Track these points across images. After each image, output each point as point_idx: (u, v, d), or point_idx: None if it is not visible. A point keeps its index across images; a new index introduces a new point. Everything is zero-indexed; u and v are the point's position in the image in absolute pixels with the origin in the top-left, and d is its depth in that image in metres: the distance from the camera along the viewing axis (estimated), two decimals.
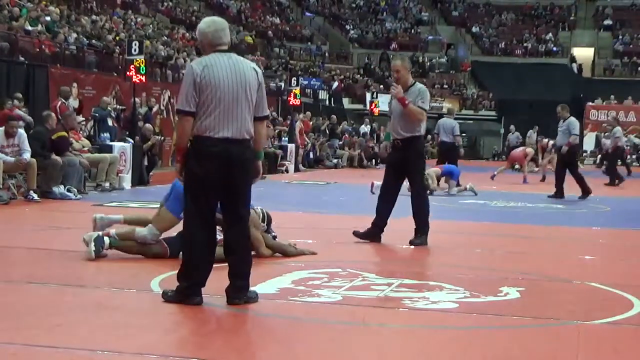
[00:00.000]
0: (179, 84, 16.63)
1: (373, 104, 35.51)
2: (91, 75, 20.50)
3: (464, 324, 5.15)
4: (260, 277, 6.15)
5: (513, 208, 13.80)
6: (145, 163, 16.26)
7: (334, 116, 31.85)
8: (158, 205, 7.33)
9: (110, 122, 17.34)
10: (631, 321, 5.31)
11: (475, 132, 44.95)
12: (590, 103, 39.18)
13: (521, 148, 23.38)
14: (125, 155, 15.22)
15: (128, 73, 18.46)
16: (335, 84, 40.07)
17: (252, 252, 7.11)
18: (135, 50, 17.96)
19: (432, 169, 16.06)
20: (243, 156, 5.28)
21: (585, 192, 15.56)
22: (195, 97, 5.18)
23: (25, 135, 12.26)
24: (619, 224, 11.92)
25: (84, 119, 17.32)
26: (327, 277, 6.44)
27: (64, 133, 13.37)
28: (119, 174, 14.88)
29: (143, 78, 18.45)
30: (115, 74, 21.95)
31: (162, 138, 19.16)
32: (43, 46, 19.76)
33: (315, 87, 38.61)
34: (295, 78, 27.53)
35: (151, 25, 31.49)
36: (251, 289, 5.45)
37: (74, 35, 22.13)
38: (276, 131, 24.65)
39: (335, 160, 27.55)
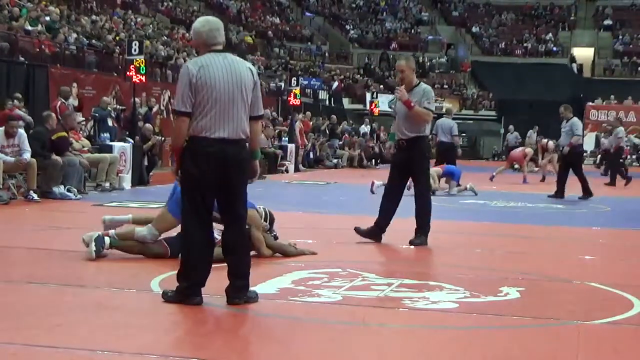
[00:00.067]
0: None
1: (373, 104, 35.52)
2: (91, 75, 20.50)
3: (464, 324, 5.15)
4: (260, 277, 6.15)
5: (513, 208, 13.80)
6: (145, 163, 16.26)
7: (334, 116, 31.84)
8: (162, 206, 7.34)
9: (110, 122, 17.34)
10: (631, 321, 5.31)
11: (475, 132, 44.96)
12: (590, 103, 39.18)
13: (520, 148, 23.37)
14: (125, 155, 15.21)
15: (128, 73, 18.47)
16: (335, 84, 40.07)
17: (253, 252, 7.17)
18: (135, 50, 17.98)
19: (434, 169, 16.05)
20: (239, 156, 5.29)
21: (587, 193, 15.56)
22: (191, 98, 5.18)
23: (25, 135, 12.26)
24: (619, 224, 11.92)
25: (83, 119, 17.32)
26: (327, 277, 6.44)
27: (64, 133, 13.37)
28: (119, 174, 14.88)
29: (143, 78, 18.47)
30: (115, 74, 21.95)
31: (162, 138, 19.15)
32: (43, 46, 19.77)
33: (315, 87, 38.62)
34: (295, 78, 27.54)
35: (151, 25, 31.49)
36: (251, 289, 5.46)
37: (74, 35, 22.13)
38: (276, 131, 24.64)
39: (335, 160, 27.55)
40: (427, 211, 8.56)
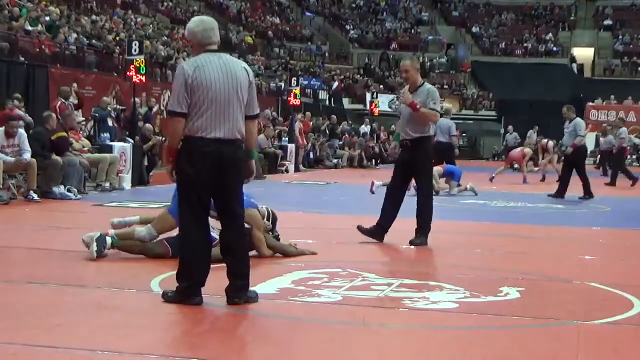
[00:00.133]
0: None
1: (373, 104, 35.53)
2: (91, 75, 20.52)
3: (464, 324, 5.15)
4: (260, 277, 6.15)
5: (513, 208, 13.80)
6: (145, 163, 16.26)
7: (334, 116, 31.85)
8: (163, 205, 7.35)
9: (110, 122, 17.35)
10: (631, 321, 5.31)
11: (475, 132, 44.97)
12: (590, 103, 39.18)
13: (519, 148, 23.34)
14: (125, 155, 15.21)
15: (128, 73, 18.48)
16: (335, 84, 40.07)
17: (253, 252, 7.17)
18: (135, 50, 17.99)
19: (434, 169, 16.05)
20: (235, 156, 5.30)
21: (588, 194, 15.59)
22: (186, 98, 5.19)
23: (25, 135, 12.26)
24: (619, 224, 11.92)
25: (83, 119, 17.32)
26: (327, 277, 6.44)
27: (64, 133, 13.37)
28: (119, 174, 14.88)
29: (143, 78, 18.48)
30: (115, 74, 21.97)
31: (162, 138, 19.14)
32: (43, 46, 19.78)
33: (315, 87, 38.62)
34: (295, 78, 27.55)
35: (151, 25, 31.51)
36: (251, 288, 5.46)
37: (74, 35, 22.14)
38: (276, 131, 24.64)
39: (335, 160, 27.55)
40: (428, 211, 8.56)
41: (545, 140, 23.79)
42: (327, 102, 38.51)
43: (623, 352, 4.62)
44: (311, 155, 26.71)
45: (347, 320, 5.16)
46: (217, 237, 5.67)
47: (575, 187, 15.74)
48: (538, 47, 49.16)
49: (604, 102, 39.66)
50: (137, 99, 19.43)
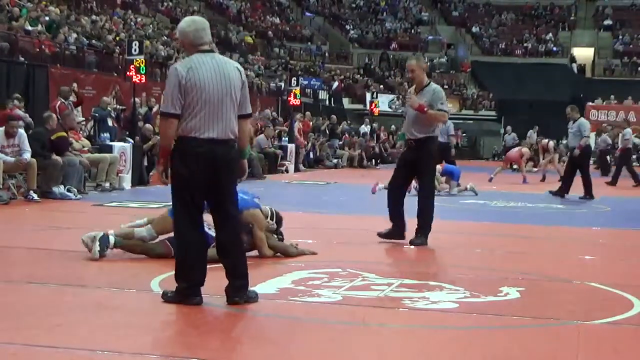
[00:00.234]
0: None
1: (373, 104, 35.51)
2: (91, 75, 20.51)
3: (464, 324, 5.16)
4: (260, 277, 6.15)
5: (513, 208, 13.80)
6: (145, 163, 16.25)
7: (334, 116, 31.83)
8: (163, 206, 7.35)
9: (110, 122, 17.34)
10: (631, 321, 5.31)
11: (475, 132, 44.94)
12: (590, 103, 39.16)
13: (517, 148, 23.30)
14: (125, 155, 15.21)
15: (128, 73, 18.46)
16: (335, 84, 40.06)
17: (254, 252, 7.18)
18: (135, 50, 17.98)
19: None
20: (228, 156, 5.32)
21: (588, 194, 15.62)
22: (180, 100, 5.20)
23: (25, 135, 12.27)
24: (619, 224, 11.93)
25: (83, 119, 17.32)
26: (327, 277, 6.44)
27: (64, 133, 13.37)
28: (119, 174, 14.88)
29: (143, 78, 18.46)
30: (115, 74, 21.96)
31: None
32: (43, 46, 19.78)
33: (315, 87, 38.61)
34: (295, 78, 27.51)
35: (151, 25, 31.50)
36: (251, 288, 5.46)
37: (74, 35, 22.14)
38: (276, 131, 24.64)
39: (335, 160, 27.53)
40: (429, 211, 8.56)
41: (546, 140, 23.78)
42: (327, 102, 38.49)
43: (623, 352, 4.62)
44: (311, 155, 26.70)
45: (347, 320, 5.16)
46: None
47: (576, 187, 15.76)
48: (538, 47, 49.15)
49: (604, 102, 39.65)
50: (137, 99, 19.41)
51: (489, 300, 5.80)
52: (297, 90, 26.60)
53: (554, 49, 48.95)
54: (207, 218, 5.55)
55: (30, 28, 20.22)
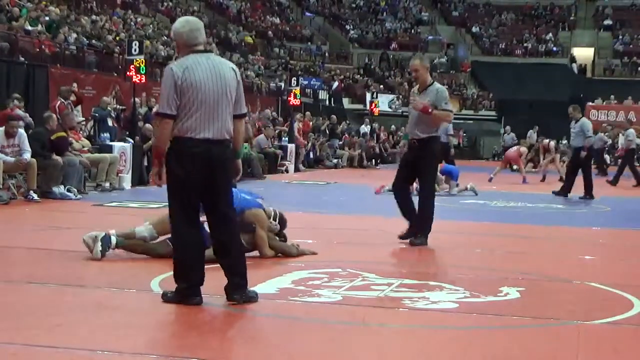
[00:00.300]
0: None
1: (373, 104, 35.50)
2: (91, 75, 20.51)
3: (464, 324, 5.16)
4: (260, 277, 6.16)
5: (513, 208, 13.80)
6: (145, 163, 16.24)
7: (334, 116, 31.83)
8: (163, 206, 7.33)
9: (110, 122, 17.33)
10: (631, 321, 5.31)
11: (475, 132, 44.93)
12: (590, 103, 39.17)
13: (515, 147, 23.26)
14: (125, 155, 15.22)
15: (128, 73, 18.46)
16: (335, 84, 40.05)
17: (255, 252, 7.17)
18: (135, 50, 17.97)
19: None
20: (224, 156, 5.32)
21: (589, 195, 15.66)
22: (176, 100, 5.20)
23: (25, 135, 12.27)
24: (619, 224, 11.93)
25: (83, 119, 17.32)
26: (327, 277, 6.44)
27: (63, 133, 13.37)
28: (119, 174, 14.88)
29: (143, 78, 18.46)
30: (115, 74, 21.95)
31: None
32: (43, 46, 19.77)
33: (315, 87, 38.59)
34: (295, 78, 27.51)
35: (151, 25, 31.49)
36: (251, 289, 5.46)
37: (74, 35, 22.13)
38: (276, 131, 24.64)
39: (335, 160, 27.54)
40: (429, 212, 8.55)
41: (547, 140, 23.76)
42: (327, 102, 38.48)
43: (623, 352, 4.62)
44: (311, 155, 26.70)
45: (347, 320, 5.16)
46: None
47: (576, 187, 15.78)
48: (538, 47, 49.14)
49: (604, 102, 39.66)
50: (137, 99, 19.40)
51: (489, 300, 5.80)
52: (297, 90, 26.60)
53: (554, 49, 48.94)
54: (202, 218, 5.56)
55: (30, 28, 20.21)
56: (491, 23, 52.53)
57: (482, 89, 46.46)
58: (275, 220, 7.49)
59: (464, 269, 7.23)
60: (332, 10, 52.44)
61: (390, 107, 39.77)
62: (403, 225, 8.74)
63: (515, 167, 22.99)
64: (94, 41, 23.01)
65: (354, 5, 54.25)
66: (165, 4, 38.13)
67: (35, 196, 11.87)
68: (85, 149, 14.38)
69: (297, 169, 23.98)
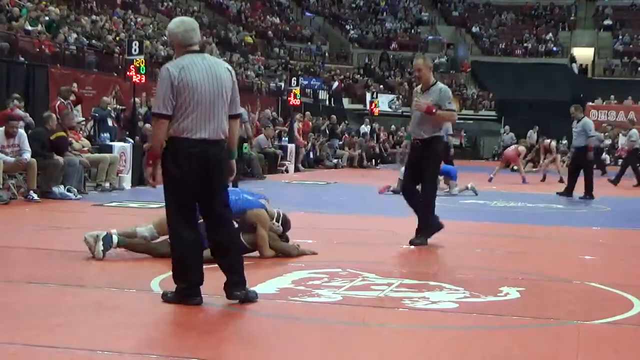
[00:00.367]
0: None
1: (373, 104, 35.50)
2: (91, 75, 20.50)
3: (464, 324, 5.16)
4: (260, 277, 6.16)
5: (513, 208, 13.80)
6: None
7: (334, 116, 31.83)
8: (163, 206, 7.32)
9: (110, 122, 17.33)
10: (631, 321, 5.31)
11: (475, 132, 44.93)
12: (590, 103, 39.18)
13: (513, 146, 23.22)
14: (125, 155, 15.22)
15: (128, 73, 18.46)
16: (335, 84, 40.04)
17: (255, 252, 7.17)
18: (135, 50, 17.98)
19: None
20: (219, 156, 5.34)
21: (589, 195, 15.69)
22: (172, 100, 5.19)
23: (25, 135, 12.27)
24: (619, 224, 11.93)
25: (83, 119, 17.32)
26: (327, 277, 6.44)
27: (63, 133, 13.36)
28: (119, 174, 14.88)
29: (143, 78, 18.46)
30: (115, 74, 21.95)
31: None
32: (43, 46, 19.77)
33: (315, 87, 38.59)
34: (295, 78, 27.50)
35: (151, 25, 31.49)
36: (251, 289, 5.46)
37: (74, 35, 22.13)
38: (276, 131, 24.64)
39: (335, 160, 27.54)
40: (430, 212, 8.55)
41: (548, 140, 23.74)
42: (327, 102, 38.47)
43: (623, 352, 4.62)
44: (311, 155, 26.70)
45: (347, 320, 5.16)
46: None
47: (577, 186, 15.80)
48: (538, 47, 49.14)
49: (604, 102, 39.66)
50: (137, 99, 19.40)
51: (489, 300, 5.80)
52: (297, 90, 26.59)
53: (554, 49, 48.94)
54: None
55: (30, 28, 20.21)
56: (491, 23, 52.53)
57: (482, 89, 46.45)
58: (278, 222, 7.48)
59: (464, 269, 7.23)
60: (332, 10, 52.43)
61: (390, 107, 39.76)
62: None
63: (515, 167, 22.99)
64: (94, 41, 23.01)
65: (354, 5, 54.25)
66: (165, 4, 38.13)
67: (35, 196, 11.87)
68: (85, 149, 14.39)
69: (297, 169, 23.98)
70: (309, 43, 47.06)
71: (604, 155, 30.86)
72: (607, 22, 50.47)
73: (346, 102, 41.06)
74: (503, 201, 14.79)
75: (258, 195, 7.64)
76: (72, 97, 16.40)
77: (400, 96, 40.87)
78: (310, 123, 28.70)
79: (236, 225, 6.78)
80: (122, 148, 15.31)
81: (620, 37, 48.94)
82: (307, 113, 29.10)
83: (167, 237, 7.05)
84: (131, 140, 16.28)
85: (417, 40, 50.45)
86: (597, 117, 37.92)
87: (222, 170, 5.41)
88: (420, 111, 8.45)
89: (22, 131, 12.34)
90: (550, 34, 50.20)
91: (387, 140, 33.99)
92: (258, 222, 7.16)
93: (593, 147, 16.15)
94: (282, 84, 33.32)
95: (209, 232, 5.44)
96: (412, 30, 51.59)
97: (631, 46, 48.16)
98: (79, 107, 16.96)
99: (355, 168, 27.45)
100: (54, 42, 20.54)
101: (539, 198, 15.57)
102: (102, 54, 22.61)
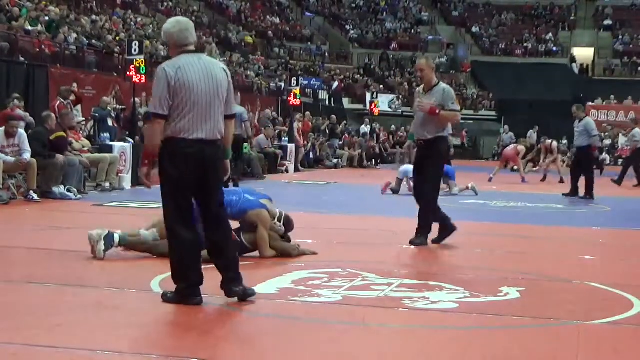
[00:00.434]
0: None
1: (373, 104, 35.49)
2: (91, 75, 20.50)
3: (464, 324, 5.16)
4: (260, 277, 6.16)
5: (513, 208, 13.80)
6: None
7: (334, 116, 31.82)
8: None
9: (110, 122, 17.34)
10: (631, 321, 5.31)
11: (475, 132, 44.92)
12: (591, 103, 39.19)
13: (512, 146, 23.22)
14: (125, 155, 15.22)
15: (128, 73, 18.46)
16: (335, 84, 40.04)
17: (255, 252, 7.17)
18: (135, 50, 17.97)
19: None
20: (215, 156, 5.36)
21: (589, 195, 15.71)
22: (168, 100, 5.20)
23: (25, 135, 12.27)
24: (619, 224, 11.93)
25: (83, 119, 17.32)
26: (327, 277, 6.44)
27: (62, 133, 13.36)
28: (119, 174, 14.88)
29: (143, 78, 18.45)
30: (115, 74, 21.95)
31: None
32: (43, 46, 19.77)
33: (315, 87, 38.59)
34: (295, 78, 27.49)
35: (151, 25, 31.49)
36: (250, 288, 5.46)
37: (74, 35, 22.13)
38: (276, 131, 24.64)
39: (335, 160, 27.55)
40: (430, 212, 8.55)
41: (550, 141, 23.74)
42: (327, 102, 38.47)
43: (623, 352, 4.62)
44: (311, 155, 26.70)
45: (347, 320, 5.16)
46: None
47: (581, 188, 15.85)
48: (538, 47, 49.15)
49: (604, 102, 39.67)
50: (137, 99, 19.39)
51: (489, 300, 5.80)
52: (297, 90, 26.58)
53: (554, 49, 48.95)
54: None
55: (30, 28, 20.21)
56: (491, 23, 52.53)
57: (482, 89, 46.46)
58: (280, 222, 7.47)
59: (464, 269, 7.23)
60: (332, 10, 52.44)
61: (390, 107, 39.76)
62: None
63: (515, 167, 22.98)
64: (94, 41, 23.01)
65: (354, 5, 54.25)
66: (165, 4, 38.12)
67: (35, 196, 11.87)
68: (85, 149, 14.39)
69: (297, 169, 23.98)
70: (309, 43, 47.07)
71: (604, 155, 30.87)
72: (607, 22, 50.49)
73: (346, 102, 41.06)
74: (503, 201, 14.79)
75: (260, 195, 7.63)
76: (72, 97, 16.39)
77: (400, 96, 40.87)
78: (310, 123, 28.70)
79: (237, 226, 6.80)
80: (122, 148, 15.31)
81: (620, 37, 48.95)
82: (307, 113, 29.09)
83: None
84: (131, 140, 16.28)
85: (417, 40, 50.46)
86: (597, 117, 37.92)
87: (219, 170, 5.43)
88: (424, 112, 8.43)
89: (22, 131, 12.34)
90: (550, 34, 50.21)
91: (387, 140, 33.99)
92: (259, 222, 7.17)
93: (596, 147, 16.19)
94: (282, 84, 33.32)
95: (205, 232, 5.45)
96: (412, 30, 51.60)
97: (631, 46, 48.17)
98: (79, 107, 16.95)
99: (355, 168, 27.45)
100: (54, 42, 20.54)
101: (539, 198, 15.57)
102: (102, 54, 22.62)
